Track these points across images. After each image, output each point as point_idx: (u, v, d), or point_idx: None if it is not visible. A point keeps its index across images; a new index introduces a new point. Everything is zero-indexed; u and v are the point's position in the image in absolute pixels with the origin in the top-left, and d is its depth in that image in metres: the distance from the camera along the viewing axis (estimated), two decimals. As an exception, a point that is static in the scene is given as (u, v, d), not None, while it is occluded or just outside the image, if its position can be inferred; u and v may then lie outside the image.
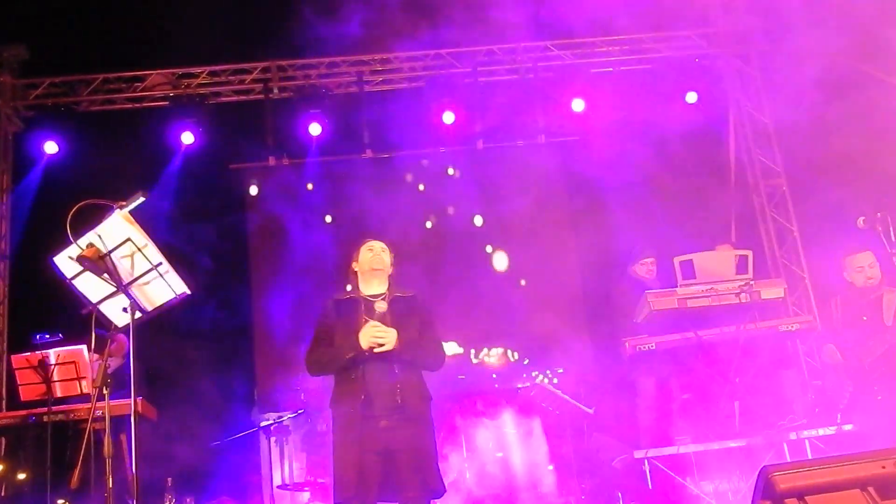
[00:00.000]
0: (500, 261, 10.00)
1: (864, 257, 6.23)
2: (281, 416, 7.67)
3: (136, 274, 4.18)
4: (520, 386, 8.50)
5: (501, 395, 8.39)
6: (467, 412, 8.06)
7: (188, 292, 4.25)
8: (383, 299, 4.62)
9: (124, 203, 4.15)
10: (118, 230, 4.12)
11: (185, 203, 9.27)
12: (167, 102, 9.46)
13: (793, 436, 6.15)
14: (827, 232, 7.84)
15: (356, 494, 4.30)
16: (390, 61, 9.81)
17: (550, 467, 7.64)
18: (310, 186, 9.93)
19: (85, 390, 6.49)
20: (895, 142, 7.13)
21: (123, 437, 6.07)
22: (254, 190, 9.96)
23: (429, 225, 9.79)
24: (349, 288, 4.75)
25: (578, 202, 10.03)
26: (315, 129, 9.37)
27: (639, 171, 9.14)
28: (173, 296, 4.25)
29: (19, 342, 6.94)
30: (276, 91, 9.64)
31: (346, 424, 4.42)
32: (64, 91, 9.47)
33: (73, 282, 4.23)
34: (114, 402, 4.33)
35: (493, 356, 9.62)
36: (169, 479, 6.70)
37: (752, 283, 6.35)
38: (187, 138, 9.20)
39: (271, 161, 9.59)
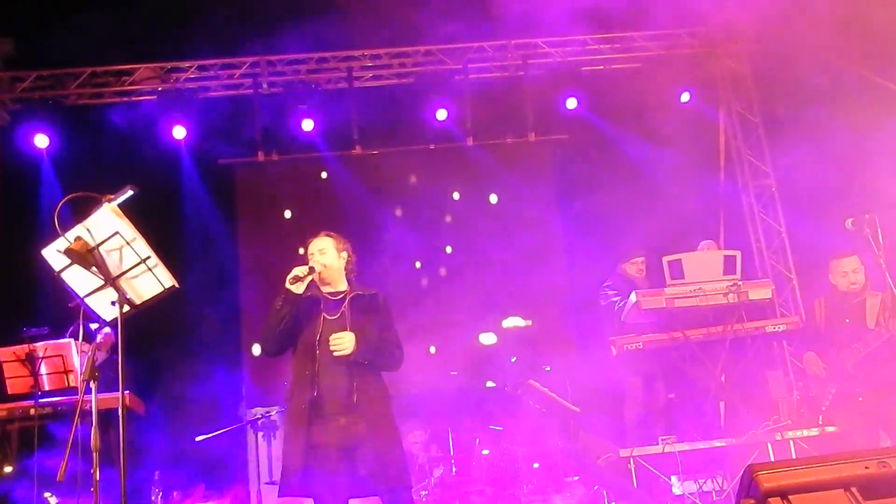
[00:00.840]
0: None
1: (849, 262, 6.27)
2: (268, 411, 7.67)
3: (125, 267, 4.17)
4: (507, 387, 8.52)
5: (489, 392, 8.42)
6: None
7: (177, 286, 4.25)
8: (343, 298, 4.60)
9: (112, 196, 4.14)
10: (106, 223, 4.11)
11: (174, 197, 9.26)
12: (155, 97, 9.42)
13: (777, 436, 6.19)
14: (815, 233, 7.88)
15: (299, 486, 4.29)
16: (380, 57, 9.80)
17: (536, 465, 7.67)
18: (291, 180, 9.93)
19: (72, 384, 6.47)
20: (886, 142, 7.17)
21: (111, 431, 6.06)
22: (242, 184, 9.95)
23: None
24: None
25: (568, 200, 10.06)
26: (308, 124, 9.35)
27: (628, 170, 9.17)
28: (162, 289, 4.24)
29: (4, 336, 6.89)
30: (265, 86, 9.61)
31: (296, 419, 4.41)
32: (51, 84, 9.41)
33: (62, 275, 4.22)
34: (101, 396, 4.32)
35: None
36: (156, 473, 6.69)
37: (739, 283, 6.38)
38: (178, 133, 9.17)
39: (260, 156, 9.59)
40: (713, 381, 6.55)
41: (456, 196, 10.18)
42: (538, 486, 7.46)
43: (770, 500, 2.43)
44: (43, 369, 6.43)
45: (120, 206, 4.15)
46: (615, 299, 7.24)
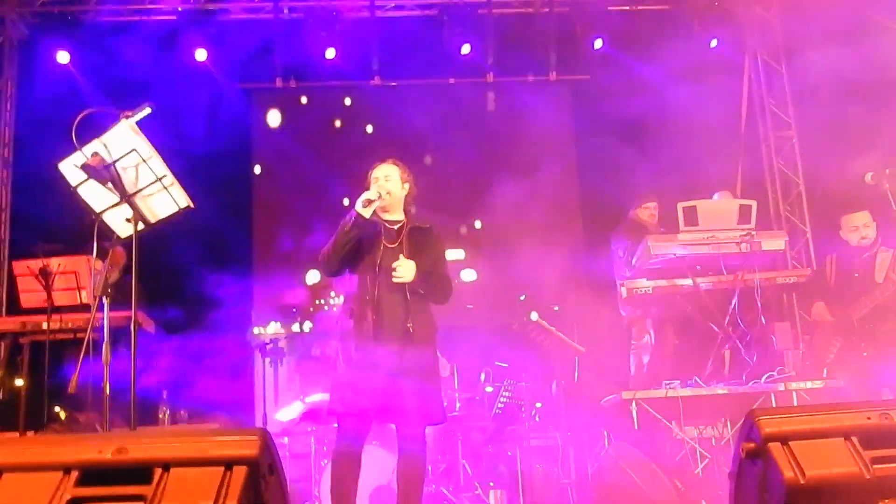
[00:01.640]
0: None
1: (860, 217, 6.23)
2: (276, 336, 7.74)
3: (141, 185, 4.19)
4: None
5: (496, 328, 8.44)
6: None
7: (192, 206, 4.26)
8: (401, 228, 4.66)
9: (130, 113, 4.13)
10: (124, 140, 4.11)
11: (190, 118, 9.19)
12: (174, 17, 9.29)
13: (781, 387, 6.23)
14: (833, 187, 7.80)
15: (349, 409, 4.39)
16: (403, -14, 9.63)
17: (539, 404, 7.74)
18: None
19: (85, 300, 6.52)
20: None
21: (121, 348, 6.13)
22: (260, 109, 9.90)
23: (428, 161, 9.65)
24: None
25: (585, 142, 9.97)
26: (330, 52, 9.25)
27: (648, 115, 9.05)
28: (176, 209, 4.26)
29: (20, 251, 6.92)
30: (285, 11, 9.48)
31: (355, 340, 4.48)
32: (71, -1, 9.31)
33: (78, 190, 4.23)
34: (112, 314, 4.38)
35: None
36: (164, 391, 6.78)
37: (753, 233, 6.36)
38: (200, 55, 9.09)
39: (278, 83, 9.53)
40: (720, 329, 6.57)
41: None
42: (540, 424, 7.54)
43: (770, 444, 2.45)
44: (56, 285, 6.47)
45: (137, 123, 4.15)
46: (621, 254, 7.22)
